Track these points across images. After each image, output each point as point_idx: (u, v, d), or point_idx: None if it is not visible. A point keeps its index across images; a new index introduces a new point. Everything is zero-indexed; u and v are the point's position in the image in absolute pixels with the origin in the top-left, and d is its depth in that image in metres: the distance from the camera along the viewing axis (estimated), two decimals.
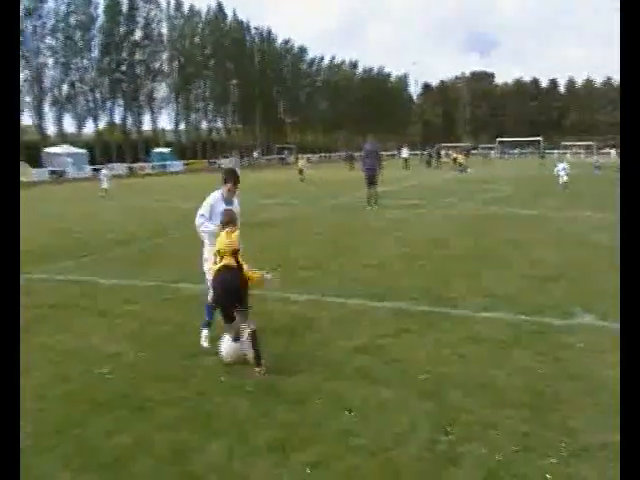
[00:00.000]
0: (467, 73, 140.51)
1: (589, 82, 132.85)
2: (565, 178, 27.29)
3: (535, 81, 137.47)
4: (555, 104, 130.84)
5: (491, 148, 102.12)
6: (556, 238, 13.99)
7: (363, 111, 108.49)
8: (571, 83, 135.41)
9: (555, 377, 5.65)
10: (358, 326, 7.27)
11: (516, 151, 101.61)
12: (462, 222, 17.22)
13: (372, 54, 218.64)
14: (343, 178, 41.66)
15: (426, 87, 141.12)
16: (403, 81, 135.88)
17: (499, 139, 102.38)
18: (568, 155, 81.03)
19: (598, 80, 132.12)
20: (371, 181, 20.66)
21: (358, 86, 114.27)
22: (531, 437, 4.51)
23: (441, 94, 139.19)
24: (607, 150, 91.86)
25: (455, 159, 53.57)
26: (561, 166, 27.97)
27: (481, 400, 5.15)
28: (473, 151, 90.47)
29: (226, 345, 6.04)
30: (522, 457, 4.24)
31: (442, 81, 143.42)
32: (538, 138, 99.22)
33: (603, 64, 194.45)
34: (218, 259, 5.82)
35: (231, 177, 6.62)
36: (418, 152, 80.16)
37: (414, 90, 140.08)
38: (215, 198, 6.63)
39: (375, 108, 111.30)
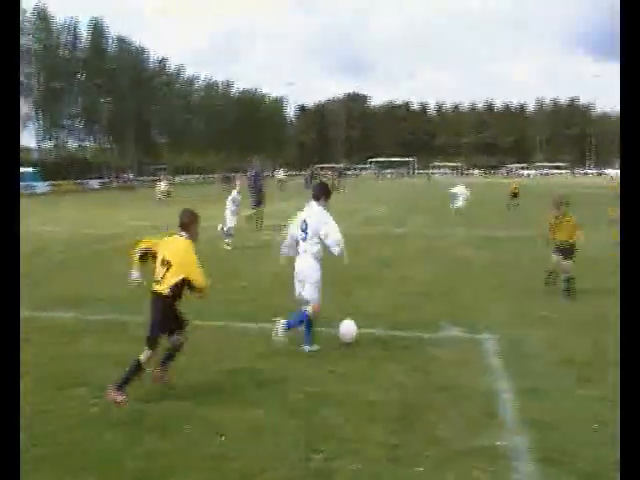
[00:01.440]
0: (342, 95, 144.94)
1: (457, 106, 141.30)
2: (460, 203, 26.33)
3: (407, 104, 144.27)
4: (425, 126, 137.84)
5: (365, 168, 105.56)
6: (426, 255, 14.72)
7: (239, 132, 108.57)
8: (440, 107, 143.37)
9: (424, 389, 5.95)
10: (232, 348, 7.27)
11: (389, 171, 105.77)
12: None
13: (247, 75, 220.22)
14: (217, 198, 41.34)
15: (302, 108, 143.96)
16: (279, 102, 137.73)
17: (373, 160, 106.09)
18: (437, 175, 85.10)
19: (465, 104, 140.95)
20: (258, 202, 21.01)
21: (234, 107, 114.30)
22: (401, 448, 4.72)
23: (316, 115, 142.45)
24: (471, 171, 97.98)
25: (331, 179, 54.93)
26: (457, 189, 27.10)
27: (353, 416, 5.32)
28: (347, 172, 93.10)
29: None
30: (392, 468, 4.43)
31: (317, 102, 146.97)
32: (410, 159, 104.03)
33: (469, 89, 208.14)
34: None
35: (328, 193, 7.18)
36: (294, 173, 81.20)
37: (290, 111, 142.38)
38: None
39: (251, 129, 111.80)
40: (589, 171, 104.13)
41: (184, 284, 5.64)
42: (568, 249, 9.83)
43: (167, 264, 5.56)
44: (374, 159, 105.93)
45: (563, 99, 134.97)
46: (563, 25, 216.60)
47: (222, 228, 17.08)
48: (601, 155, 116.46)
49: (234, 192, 17.68)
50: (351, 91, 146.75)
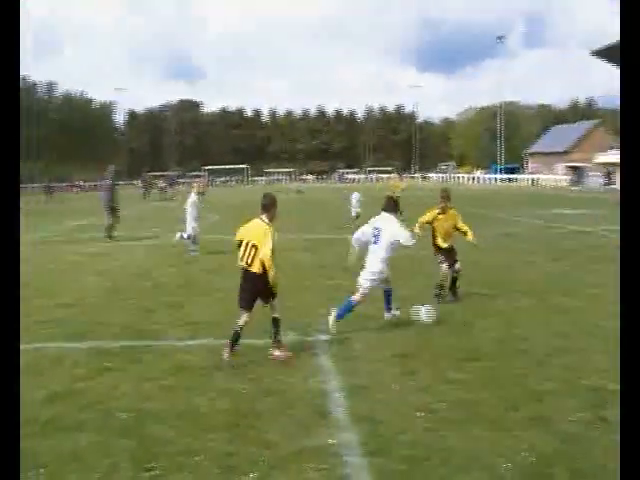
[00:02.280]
0: (174, 101, 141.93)
1: (290, 113, 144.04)
2: (358, 209, 24.91)
3: (240, 110, 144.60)
4: (259, 133, 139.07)
5: (199, 176, 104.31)
6: None
7: (63, 139, 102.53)
8: (274, 113, 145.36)
9: (256, 395, 6.03)
10: (53, 372, 6.87)
11: (223, 179, 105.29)
12: (166, 252, 17.33)
13: (72, 77, 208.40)
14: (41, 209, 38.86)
15: (132, 115, 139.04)
16: (107, 108, 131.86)
17: (207, 167, 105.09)
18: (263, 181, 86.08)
19: (298, 111, 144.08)
20: (112, 211, 20.42)
21: (56, 111, 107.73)
22: (234, 456, 4.75)
23: (148, 122, 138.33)
24: (305, 176, 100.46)
25: (163, 188, 53.77)
26: (355, 196, 25.69)
27: (185, 429, 5.26)
28: (180, 180, 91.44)
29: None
30: (225, 477, 4.45)
31: (149, 108, 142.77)
32: (244, 165, 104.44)
33: (301, 96, 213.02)
34: None
35: None
36: (122, 182, 78.00)
37: (120, 117, 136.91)
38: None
39: (77, 135, 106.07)
40: (415, 175, 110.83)
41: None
42: (451, 252, 10.09)
43: (254, 247, 6.84)
44: (208, 166, 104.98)
45: (390, 107, 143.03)
46: (389, 37, 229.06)
47: (181, 236, 16.53)
48: (425, 160, 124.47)
49: (193, 195, 17.00)
50: (184, 97, 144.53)
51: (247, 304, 7.03)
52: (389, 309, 8.72)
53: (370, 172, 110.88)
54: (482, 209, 30.99)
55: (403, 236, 8.38)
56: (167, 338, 8.08)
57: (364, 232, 8.66)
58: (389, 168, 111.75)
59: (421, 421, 5.38)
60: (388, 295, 8.69)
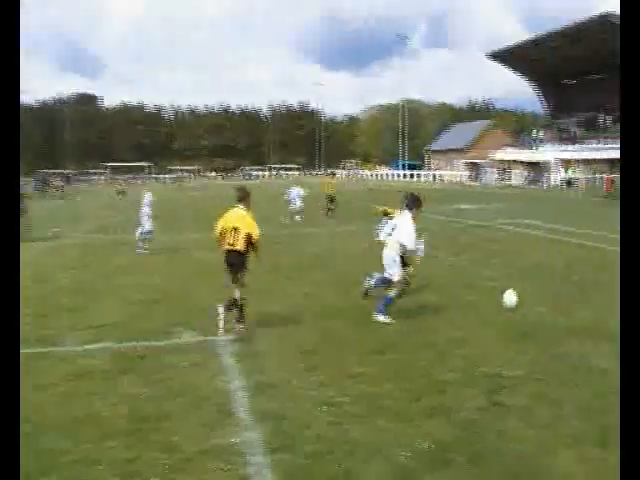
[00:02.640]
0: (70, 94, 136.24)
1: (193, 110, 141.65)
2: (299, 203, 24.35)
3: (141, 106, 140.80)
4: (162, 129, 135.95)
5: (99, 173, 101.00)
6: (167, 261, 14.59)
7: None
8: (177, 109, 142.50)
9: (160, 398, 5.91)
10: None
11: (128, 176, 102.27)
12: (68, 253, 16.68)
13: None
14: None
15: (24, 108, 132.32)
16: None
17: (108, 164, 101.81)
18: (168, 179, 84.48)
19: (201, 107, 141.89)
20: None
21: None
22: (136, 462, 4.64)
23: (41, 116, 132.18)
24: (209, 173, 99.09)
25: (59, 186, 51.71)
26: (295, 191, 24.74)
27: (83, 437, 5.07)
28: (80, 177, 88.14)
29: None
30: None
31: (43, 102, 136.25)
32: (146, 163, 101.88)
33: (206, 92, 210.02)
34: None
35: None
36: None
37: None
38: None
39: None
40: (319, 172, 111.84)
41: (249, 240, 8.00)
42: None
43: (235, 229, 7.98)
44: (109, 164, 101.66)
45: (295, 104, 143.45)
46: (294, 35, 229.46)
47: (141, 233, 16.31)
48: (330, 157, 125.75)
49: (149, 195, 16.98)
50: (80, 90, 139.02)
51: (235, 279, 8.13)
52: (381, 311, 8.61)
53: (275, 169, 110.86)
54: (386, 206, 31.59)
55: (407, 240, 8.62)
56: (66, 343, 7.79)
57: (390, 225, 9.13)
58: (294, 166, 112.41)
59: (325, 415, 5.46)
60: (387, 301, 8.65)
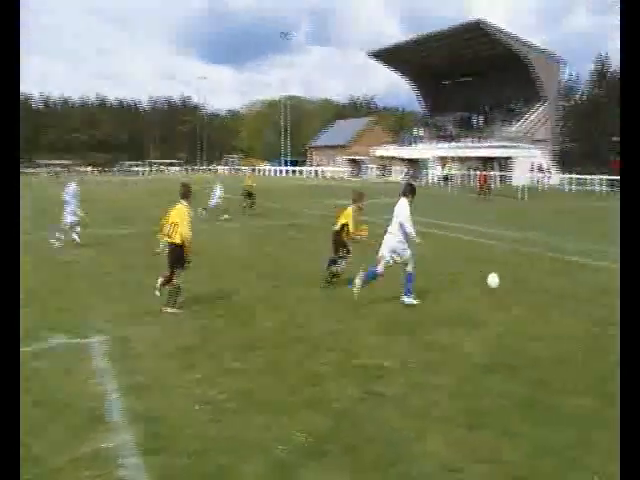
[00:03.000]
0: None
1: (66, 100, 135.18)
2: (219, 201, 23.58)
3: None
4: (30, 120, 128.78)
5: None
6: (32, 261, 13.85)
7: None
8: (47, 99, 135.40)
9: (24, 407, 5.58)
10: None
11: None
12: None
13: None
14: None
15: None
16: None
17: None
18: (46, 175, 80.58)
19: (75, 98, 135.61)
20: None
21: None
22: None
23: None
24: (85, 169, 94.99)
25: None
26: (217, 191, 23.86)
27: None
28: None
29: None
30: None
31: None
32: None
33: (79, 83, 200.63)
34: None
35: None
36: None
37: None
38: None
39: None
40: (201, 167, 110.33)
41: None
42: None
43: (175, 224, 8.82)
44: None
45: (176, 98, 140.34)
46: (176, 27, 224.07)
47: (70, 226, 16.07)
48: (212, 152, 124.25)
49: (73, 185, 16.63)
50: None
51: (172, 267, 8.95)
52: (409, 292, 9.37)
53: (156, 165, 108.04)
54: (269, 201, 31.74)
55: (407, 223, 9.30)
56: None
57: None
58: (175, 161, 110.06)
59: (203, 414, 5.42)
60: (408, 280, 9.39)
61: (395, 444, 4.87)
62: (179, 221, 8.83)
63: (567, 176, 51.53)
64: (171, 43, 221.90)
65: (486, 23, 60.95)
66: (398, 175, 69.53)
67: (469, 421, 5.26)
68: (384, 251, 9.47)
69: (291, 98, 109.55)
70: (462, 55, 69.76)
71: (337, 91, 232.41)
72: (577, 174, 50.67)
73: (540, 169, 53.49)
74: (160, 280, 9.05)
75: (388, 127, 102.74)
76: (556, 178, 53.75)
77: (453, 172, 57.88)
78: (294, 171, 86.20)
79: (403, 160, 70.98)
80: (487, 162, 58.00)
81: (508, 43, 61.84)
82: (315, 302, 9.57)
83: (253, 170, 29.84)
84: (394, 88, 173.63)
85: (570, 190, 48.22)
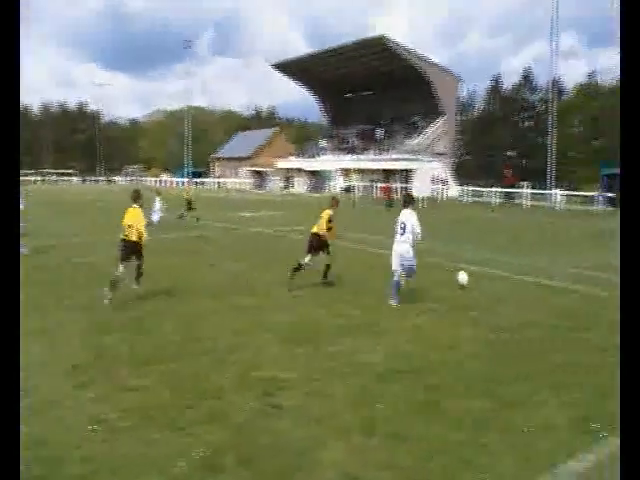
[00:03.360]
0: None
1: None
2: (161, 214, 24.52)
3: None
4: None
5: None
6: None
7: None
8: None
9: None
10: None
11: None
12: None
13: None
14: None
15: None
16: None
17: None
18: None
19: None
20: None
21: None
22: None
23: None
24: None
25: None
26: (159, 201, 24.74)
27: None
28: None
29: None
30: None
31: None
32: None
33: None
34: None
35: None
36: None
37: None
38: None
39: None
40: (100, 178, 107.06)
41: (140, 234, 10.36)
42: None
43: (130, 225, 10.33)
44: None
45: (72, 104, 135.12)
46: (72, 30, 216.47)
47: None
48: (111, 162, 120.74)
49: None
50: None
51: (124, 258, 10.37)
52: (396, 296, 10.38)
53: (50, 174, 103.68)
54: (169, 213, 31.19)
55: (418, 229, 10.39)
56: None
57: (398, 224, 10.55)
58: (70, 170, 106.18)
59: (95, 434, 5.21)
60: (398, 285, 10.45)
61: (294, 454, 4.88)
62: (133, 222, 10.31)
63: (465, 188, 53.68)
64: (66, 46, 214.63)
65: (388, 39, 62.77)
66: (302, 187, 70.12)
67: (367, 428, 5.35)
68: (396, 264, 10.43)
69: (194, 108, 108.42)
70: (364, 69, 71.54)
71: (241, 102, 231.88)
72: (473, 186, 52.91)
73: (441, 181, 55.46)
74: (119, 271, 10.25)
75: (292, 139, 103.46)
76: (454, 190, 55.87)
77: (354, 183, 58.98)
78: (197, 182, 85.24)
79: (306, 172, 71.68)
80: (389, 174, 59.55)
81: (408, 59, 63.94)
82: (217, 314, 9.45)
83: (189, 181, 31.93)
84: (298, 100, 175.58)
85: (467, 201, 50.21)
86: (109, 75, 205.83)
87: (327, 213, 11.76)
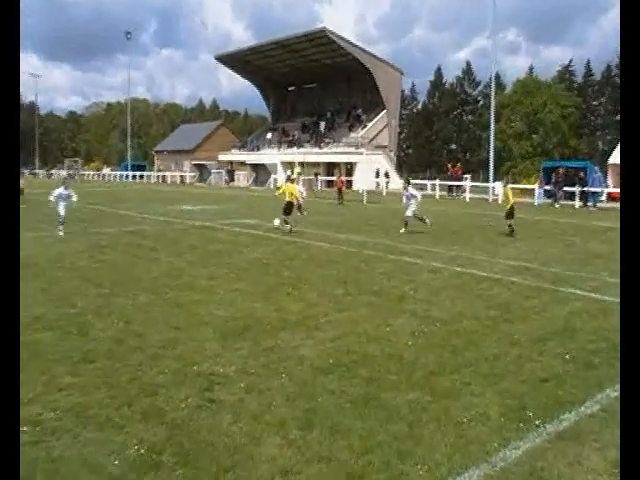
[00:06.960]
0: None
1: None
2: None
3: None
4: None
5: None
6: None
7: None
8: None
9: None
10: None
11: None
12: None
13: None
14: None
15: None
16: None
17: None
18: None
19: None
20: None
21: None
22: None
23: None
24: None
25: None
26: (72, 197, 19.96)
27: None
28: None
29: None
30: None
31: None
32: None
33: None
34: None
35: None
36: None
37: None
38: None
39: None
40: (39, 171, 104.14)
41: None
42: None
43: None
44: None
45: None
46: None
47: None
48: (48, 155, 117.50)
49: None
50: None
51: None
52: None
53: None
54: (109, 207, 30.63)
55: (419, 196, 21.15)
56: None
57: (407, 195, 20.87)
58: None
59: (28, 436, 5.09)
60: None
61: (231, 450, 4.89)
62: None
63: None
64: None
65: (330, 31, 62.79)
66: (245, 180, 69.72)
67: (304, 422, 5.40)
68: (409, 211, 20.70)
69: (136, 100, 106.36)
70: (306, 62, 71.44)
71: (184, 94, 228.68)
72: (415, 179, 53.62)
73: (384, 174, 55.98)
74: None
75: (235, 131, 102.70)
76: (397, 183, 56.50)
77: (295, 176, 58.86)
78: (140, 176, 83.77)
79: (249, 165, 71.28)
80: (332, 167, 59.75)
81: (351, 52, 64.13)
82: (154, 309, 9.35)
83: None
84: (242, 92, 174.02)
85: None
86: (48, 65, 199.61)
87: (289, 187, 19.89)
